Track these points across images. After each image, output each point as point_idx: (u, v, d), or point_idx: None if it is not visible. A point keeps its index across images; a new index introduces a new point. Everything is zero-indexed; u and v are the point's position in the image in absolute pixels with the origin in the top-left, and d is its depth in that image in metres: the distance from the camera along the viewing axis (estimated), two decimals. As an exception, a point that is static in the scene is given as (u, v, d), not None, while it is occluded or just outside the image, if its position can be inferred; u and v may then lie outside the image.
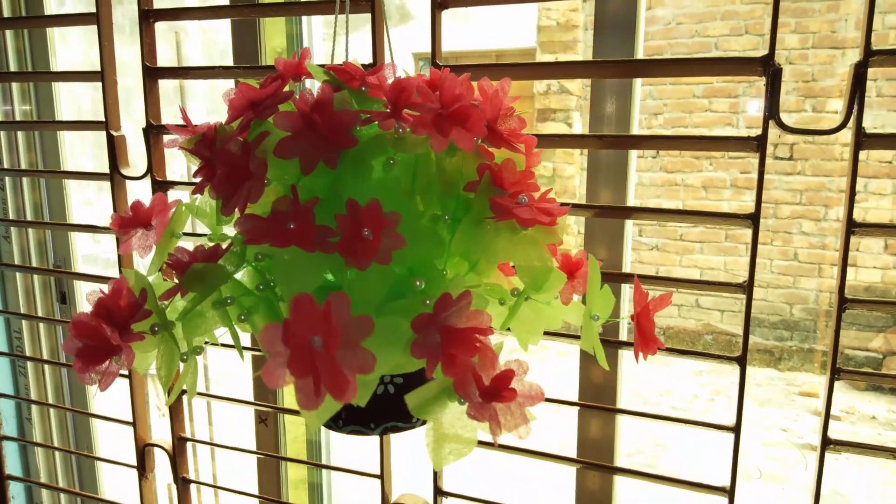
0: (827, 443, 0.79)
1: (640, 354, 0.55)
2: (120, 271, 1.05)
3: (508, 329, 0.55)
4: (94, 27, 0.98)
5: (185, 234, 0.61)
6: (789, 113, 4.08)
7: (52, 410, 1.38)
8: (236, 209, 0.46)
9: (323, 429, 1.22)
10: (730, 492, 0.82)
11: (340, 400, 0.39)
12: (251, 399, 1.08)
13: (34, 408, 1.36)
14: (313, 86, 0.53)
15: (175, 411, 1.09)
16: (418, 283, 0.48)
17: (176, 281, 0.50)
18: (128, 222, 0.55)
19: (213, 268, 0.48)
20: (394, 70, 0.54)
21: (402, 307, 0.47)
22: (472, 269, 0.53)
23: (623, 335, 0.92)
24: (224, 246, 0.51)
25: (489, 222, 0.49)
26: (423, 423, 0.59)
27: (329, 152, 0.46)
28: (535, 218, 0.48)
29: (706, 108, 4.29)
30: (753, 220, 0.76)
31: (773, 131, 0.76)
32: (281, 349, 0.38)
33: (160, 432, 1.15)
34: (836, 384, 0.78)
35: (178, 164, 2.31)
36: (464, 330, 0.45)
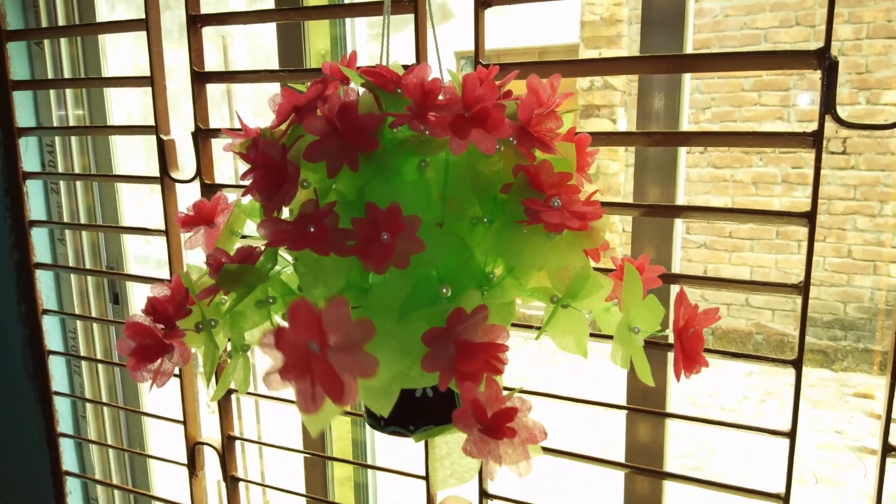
0: (889, 449, 0.76)
1: (682, 373, 0.52)
2: (170, 272, 1.07)
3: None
4: (144, 33, 1.00)
5: (244, 235, 0.62)
6: (843, 106, 3.95)
7: (105, 409, 1.41)
8: (275, 210, 0.47)
9: (368, 428, 1.23)
10: (785, 499, 0.79)
11: (338, 404, 0.40)
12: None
13: (89, 406, 1.40)
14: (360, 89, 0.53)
15: (224, 410, 1.10)
16: (444, 291, 0.47)
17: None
18: (191, 220, 0.57)
19: (245, 269, 0.48)
20: (429, 71, 0.53)
21: (427, 315, 0.46)
22: (510, 273, 0.52)
23: (671, 337, 0.90)
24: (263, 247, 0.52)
25: (521, 226, 0.48)
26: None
27: (351, 155, 0.46)
28: (564, 222, 0.47)
29: (755, 102, 4.19)
30: (809, 218, 0.73)
31: (828, 126, 0.73)
32: (276, 354, 0.39)
33: (209, 430, 1.17)
34: (898, 388, 0.75)
35: (227, 167, 2.34)
36: (480, 345, 0.44)
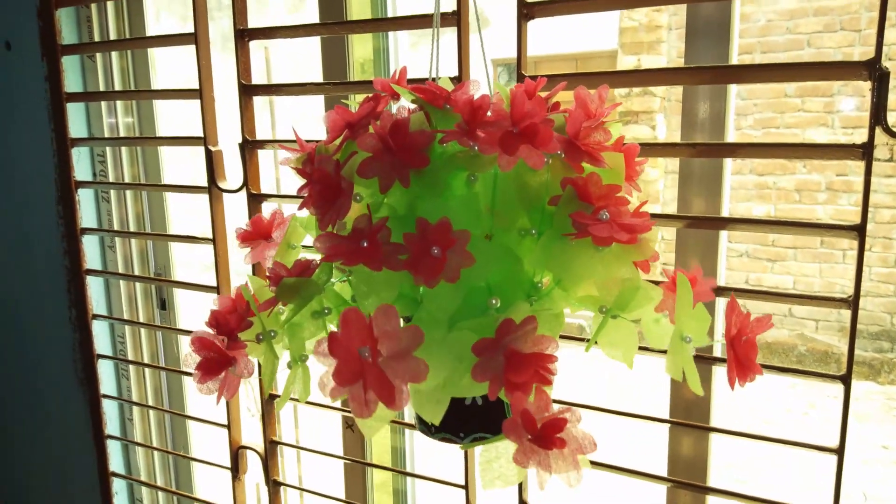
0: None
1: (737, 381, 0.52)
2: (217, 279, 1.09)
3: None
4: (192, 46, 1.03)
5: (304, 246, 0.64)
6: (891, 112, 3.86)
7: (151, 412, 1.45)
8: (330, 224, 0.48)
9: (408, 435, 1.24)
10: (834, 516, 0.78)
11: (391, 408, 0.41)
12: (338, 406, 1.10)
13: (135, 409, 1.43)
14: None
15: (268, 416, 1.12)
16: (494, 302, 0.48)
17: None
18: (250, 236, 0.58)
19: (303, 282, 0.50)
20: (477, 86, 0.54)
21: (476, 325, 0.47)
22: (558, 284, 0.52)
23: (717, 351, 0.89)
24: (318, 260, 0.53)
25: (569, 239, 0.49)
26: None
27: (402, 171, 0.47)
28: (613, 235, 0.47)
29: (799, 108, 4.11)
30: (859, 231, 0.72)
31: (881, 136, 0.72)
32: (330, 360, 0.40)
33: (250, 434, 1.19)
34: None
35: (269, 176, 2.38)
36: (529, 355, 0.44)
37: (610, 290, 0.51)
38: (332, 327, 0.52)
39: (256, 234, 0.59)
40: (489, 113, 0.48)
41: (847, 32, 3.94)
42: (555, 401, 0.86)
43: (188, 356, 0.49)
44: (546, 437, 0.44)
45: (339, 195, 0.47)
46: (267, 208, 1.04)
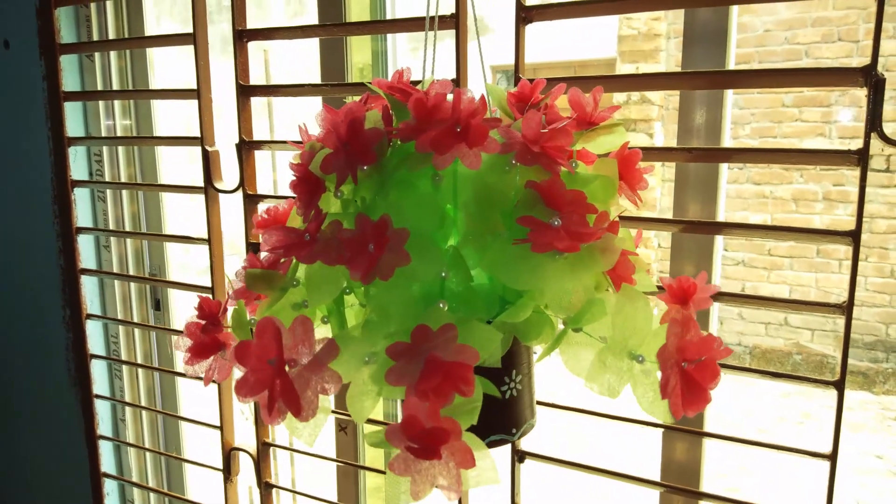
0: (935, 476, 0.74)
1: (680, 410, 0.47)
2: (212, 280, 1.09)
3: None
4: (190, 47, 1.03)
5: None
6: (887, 123, 3.87)
7: (144, 413, 1.44)
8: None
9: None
10: (826, 523, 0.77)
11: (298, 418, 0.42)
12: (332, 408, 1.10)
13: (128, 409, 1.42)
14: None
15: (260, 417, 1.12)
16: (441, 305, 0.47)
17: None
18: (266, 223, 0.59)
19: (270, 273, 0.51)
20: (450, 85, 0.53)
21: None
22: (526, 293, 0.50)
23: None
24: None
25: (518, 245, 0.47)
26: (522, 436, 0.59)
27: (353, 168, 0.47)
28: (553, 243, 0.45)
29: (796, 118, 4.12)
30: (854, 237, 0.72)
31: (874, 143, 0.72)
32: (240, 367, 0.40)
33: (242, 436, 1.19)
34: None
35: (266, 178, 2.39)
36: (450, 364, 0.43)
37: (561, 301, 0.49)
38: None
39: (273, 222, 0.60)
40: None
41: (845, 43, 3.96)
42: (547, 404, 0.86)
43: (179, 339, 0.51)
44: (426, 446, 0.42)
45: (320, 189, 0.47)
46: (263, 209, 1.03)
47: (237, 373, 0.54)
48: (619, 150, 0.58)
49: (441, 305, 0.47)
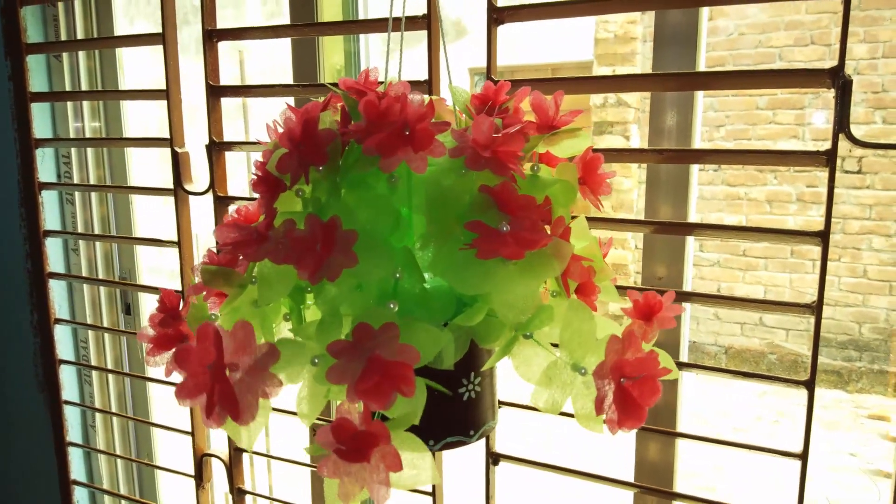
0: (903, 473, 0.75)
1: (616, 427, 0.47)
2: (182, 283, 1.07)
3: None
4: (160, 47, 1.01)
5: None
6: (858, 125, 3.93)
7: (114, 419, 1.42)
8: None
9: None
10: (797, 522, 0.78)
11: (237, 422, 0.42)
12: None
13: (98, 416, 1.40)
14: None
15: (232, 422, 1.10)
16: (392, 306, 0.47)
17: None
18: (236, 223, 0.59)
19: (225, 270, 0.51)
20: (408, 87, 0.53)
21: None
22: (480, 297, 0.50)
23: (684, 355, 0.89)
24: None
25: (465, 249, 0.47)
26: (480, 438, 0.59)
27: (305, 168, 0.47)
28: (497, 248, 0.45)
29: (770, 121, 4.17)
30: (823, 237, 0.73)
31: (843, 144, 0.73)
32: (180, 371, 0.41)
33: (220, 442, 1.17)
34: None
35: (241, 179, 2.37)
36: (392, 363, 0.43)
37: (510, 306, 0.48)
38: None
39: (244, 223, 0.60)
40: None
41: (817, 46, 4.02)
42: (511, 404, 0.86)
43: (144, 329, 0.51)
44: (355, 449, 0.43)
45: (278, 190, 0.47)
46: (234, 209, 1.02)
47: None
48: (582, 154, 0.58)
49: (391, 306, 0.47)
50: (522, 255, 0.46)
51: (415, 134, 0.46)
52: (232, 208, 1.02)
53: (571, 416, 0.72)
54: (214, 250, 0.53)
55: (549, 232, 0.50)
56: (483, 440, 0.69)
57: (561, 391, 0.49)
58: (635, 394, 0.46)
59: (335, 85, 0.58)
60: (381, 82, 0.57)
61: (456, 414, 0.57)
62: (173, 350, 0.52)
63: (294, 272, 0.45)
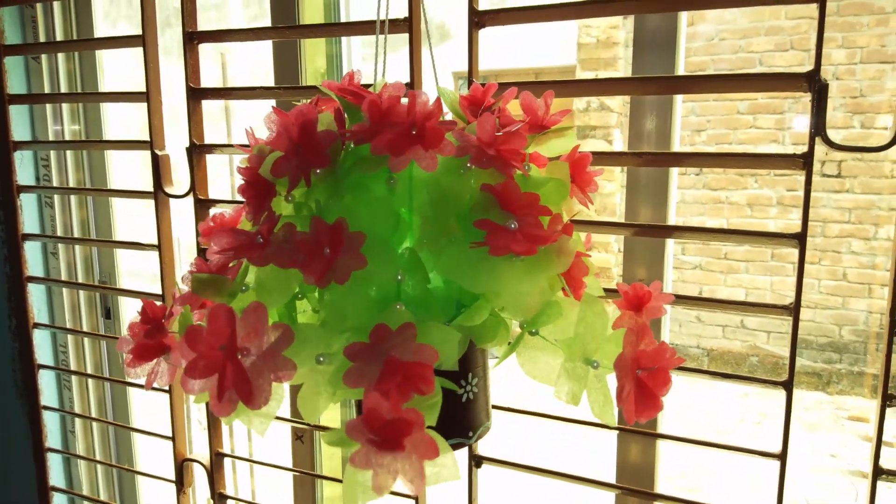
0: (879, 472, 0.76)
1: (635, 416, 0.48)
2: (162, 287, 1.06)
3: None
4: (141, 49, 1.01)
5: None
6: (837, 129, 3.98)
7: (94, 424, 1.40)
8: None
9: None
10: (776, 522, 0.79)
11: (249, 406, 0.40)
12: (287, 416, 1.08)
13: (77, 421, 1.39)
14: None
15: (213, 427, 1.10)
16: (399, 307, 0.47)
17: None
18: (212, 231, 0.58)
19: (217, 278, 0.50)
20: (402, 88, 0.53)
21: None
22: (482, 296, 0.50)
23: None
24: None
25: (475, 248, 0.47)
26: (478, 439, 0.59)
27: (306, 171, 0.47)
28: (510, 245, 0.46)
29: (751, 125, 4.21)
30: (800, 240, 0.74)
31: (820, 148, 0.74)
32: (189, 353, 0.39)
33: (202, 447, 1.16)
34: (889, 410, 0.74)
35: (224, 183, 2.36)
36: (409, 364, 0.43)
37: (518, 303, 0.49)
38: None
39: (219, 230, 0.59)
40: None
41: (797, 52, 4.06)
42: (502, 408, 0.86)
43: (123, 339, 0.50)
44: (388, 438, 0.42)
45: (270, 194, 0.46)
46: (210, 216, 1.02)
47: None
48: (570, 153, 0.58)
49: (398, 307, 0.46)
50: (535, 250, 0.46)
51: (424, 132, 0.46)
52: (215, 211, 1.02)
53: (568, 419, 0.72)
54: (204, 258, 0.52)
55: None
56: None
57: (577, 384, 0.50)
58: (650, 384, 0.47)
59: (316, 88, 0.58)
60: (369, 85, 0.57)
61: (456, 415, 0.56)
62: (154, 361, 0.51)
63: (295, 277, 0.45)
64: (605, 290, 0.70)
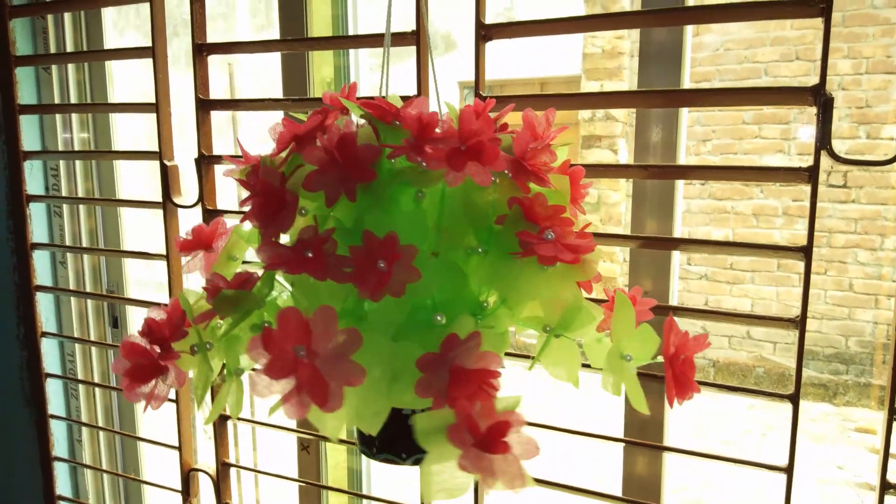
0: (886, 487, 0.75)
1: (675, 399, 0.53)
2: (170, 296, 1.07)
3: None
4: (150, 61, 1.01)
5: (245, 262, 0.63)
6: (842, 140, 3.98)
7: (101, 433, 1.41)
8: (273, 237, 0.47)
9: (364, 457, 1.22)
10: (783, 535, 0.78)
11: (323, 409, 0.41)
12: (293, 426, 1.08)
13: (84, 430, 1.39)
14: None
15: (220, 436, 1.10)
16: (439, 318, 0.48)
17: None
18: (190, 245, 0.57)
19: (242, 294, 0.49)
20: (427, 103, 0.54)
21: (421, 339, 0.47)
22: (503, 303, 0.52)
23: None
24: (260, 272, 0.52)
25: (514, 257, 0.49)
26: None
27: (349, 185, 0.47)
28: (558, 255, 0.47)
29: (756, 135, 4.22)
30: (806, 252, 0.74)
31: (826, 160, 0.74)
32: (263, 355, 0.40)
33: (208, 456, 1.16)
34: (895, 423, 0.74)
35: (230, 193, 2.37)
36: (474, 371, 0.44)
37: (553, 309, 0.51)
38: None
39: (197, 244, 0.58)
40: (438, 130, 0.48)
41: (803, 62, 4.07)
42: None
43: (118, 361, 0.48)
44: (490, 441, 0.43)
45: (284, 207, 0.46)
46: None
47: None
48: (561, 165, 0.59)
49: (439, 318, 0.48)
50: (579, 259, 0.48)
51: (481, 148, 0.47)
52: (235, 222, 1.02)
53: (572, 431, 0.72)
54: (214, 278, 0.51)
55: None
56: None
57: (618, 376, 0.53)
58: (686, 370, 0.52)
59: (319, 100, 0.58)
60: (372, 97, 0.57)
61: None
62: (152, 382, 0.49)
63: (338, 292, 0.45)
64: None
